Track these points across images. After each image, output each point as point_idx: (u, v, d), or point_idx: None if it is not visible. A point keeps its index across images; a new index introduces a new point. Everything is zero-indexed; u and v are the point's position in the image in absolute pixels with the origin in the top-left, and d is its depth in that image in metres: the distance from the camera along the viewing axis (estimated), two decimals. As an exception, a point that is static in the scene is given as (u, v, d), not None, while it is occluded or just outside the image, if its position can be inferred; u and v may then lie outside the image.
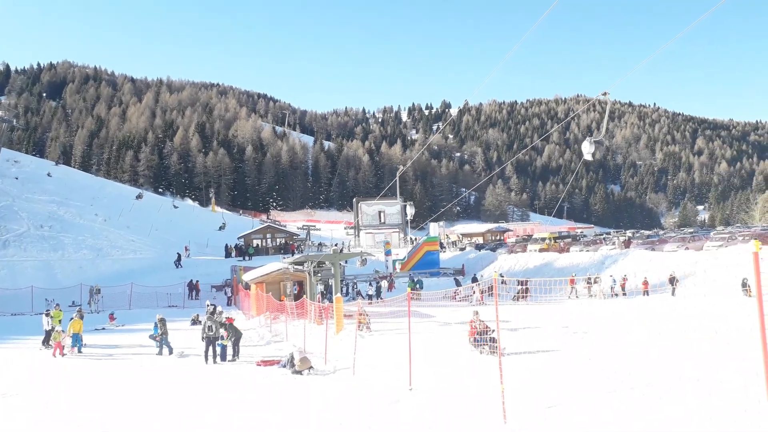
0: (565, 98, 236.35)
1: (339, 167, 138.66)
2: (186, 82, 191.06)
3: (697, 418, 7.12)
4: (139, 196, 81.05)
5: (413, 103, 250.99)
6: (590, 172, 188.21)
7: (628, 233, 64.46)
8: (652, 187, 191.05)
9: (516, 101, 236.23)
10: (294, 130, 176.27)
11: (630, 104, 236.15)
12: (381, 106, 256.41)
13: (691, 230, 65.10)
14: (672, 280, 28.81)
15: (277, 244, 58.70)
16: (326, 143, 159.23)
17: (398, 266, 49.05)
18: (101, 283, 37.24)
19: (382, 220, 65.93)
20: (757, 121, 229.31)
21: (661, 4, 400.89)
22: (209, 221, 77.31)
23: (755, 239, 4.65)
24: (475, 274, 42.56)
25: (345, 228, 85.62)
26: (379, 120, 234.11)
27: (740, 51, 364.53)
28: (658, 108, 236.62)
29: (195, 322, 25.45)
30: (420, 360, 11.73)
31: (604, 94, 6.67)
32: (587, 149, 7.62)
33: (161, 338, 18.17)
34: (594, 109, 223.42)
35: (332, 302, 22.66)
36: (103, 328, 25.55)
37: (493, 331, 13.52)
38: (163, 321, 18.36)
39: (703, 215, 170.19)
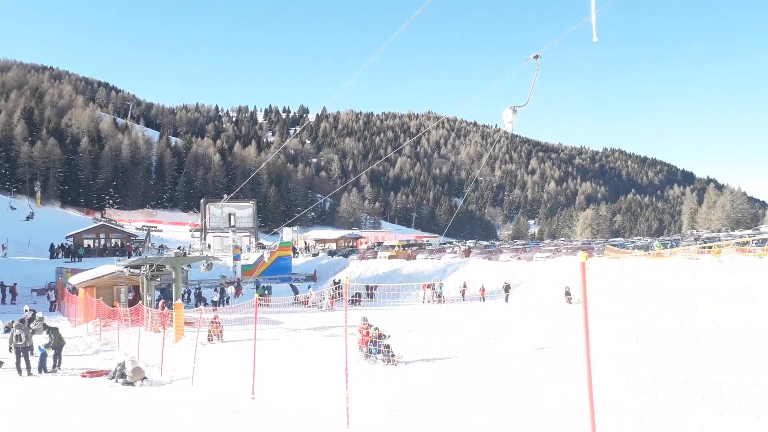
0: (417, 114, 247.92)
1: (187, 165, 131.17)
2: (12, 62, 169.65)
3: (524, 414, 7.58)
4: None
5: (270, 105, 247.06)
6: (437, 186, 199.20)
7: (469, 243, 68.90)
8: (490, 201, 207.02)
9: (372, 112, 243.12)
10: (138, 123, 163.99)
11: (475, 123, 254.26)
12: (236, 105, 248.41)
13: (523, 242, 71.36)
14: (506, 288, 31.20)
15: (113, 245, 54.04)
16: (173, 139, 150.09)
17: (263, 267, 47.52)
18: None
19: (232, 224, 63.66)
20: (581, 146, 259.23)
21: (514, 31, 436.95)
22: (33, 217, 68.93)
23: (582, 251, 5.01)
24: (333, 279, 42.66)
25: (190, 230, 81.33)
26: (233, 119, 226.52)
27: (568, 81, 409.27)
28: (499, 129, 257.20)
29: (9, 329, 22.32)
30: (267, 368, 11.30)
31: (536, 57, 6.57)
32: (509, 118, 6.72)
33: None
34: (443, 126, 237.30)
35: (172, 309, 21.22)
36: None
37: (389, 337, 13.68)
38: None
39: (534, 229, 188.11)
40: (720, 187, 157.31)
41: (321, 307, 31.27)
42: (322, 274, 48.04)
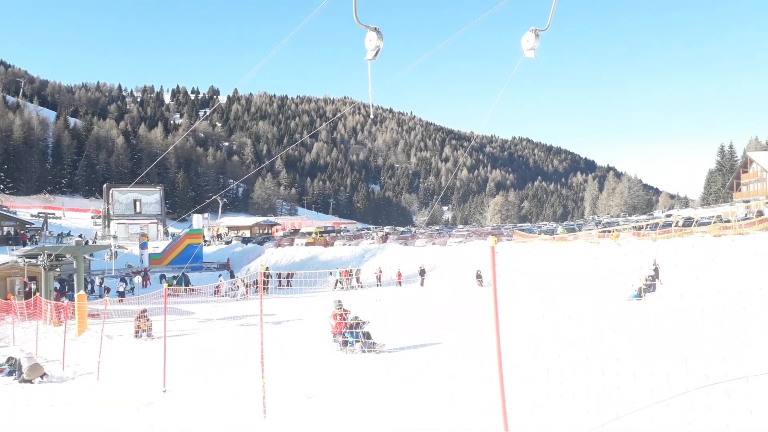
0: (333, 98, 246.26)
1: (87, 148, 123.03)
2: None
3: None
4: None
5: (178, 86, 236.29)
6: (354, 172, 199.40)
7: (386, 229, 69.69)
8: (406, 188, 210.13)
9: (287, 96, 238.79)
10: (31, 101, 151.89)
11: (391, 111, 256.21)
12: (140, 84, 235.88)
13: (438, 228, 73.13)
14: (422, 272, 31.91)
15: (5, 233, 49.97)
16: (72, 120, 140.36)
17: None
18: None
19: (138, 210, 60.72)
20: (492, 135, 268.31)
21: (430, 16, 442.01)
22: None
23: (492, 236, 5.20)
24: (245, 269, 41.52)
25: (92, 217, 76.83)
26: (138, 100, 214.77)
27: (481, 70, 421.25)
28: (414, 116, 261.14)
29: None
30: (180, 360, 10.93)
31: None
32: (530, 44, 5.42)
33: None
34: (359, 113, 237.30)
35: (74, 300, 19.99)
36: None
37: (368, 323, 12.37)
38: None
39: (448, 215, 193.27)
40: (619, 175, 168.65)
41: (235, 296, 30.60)
42: (235, 263, 46.92)
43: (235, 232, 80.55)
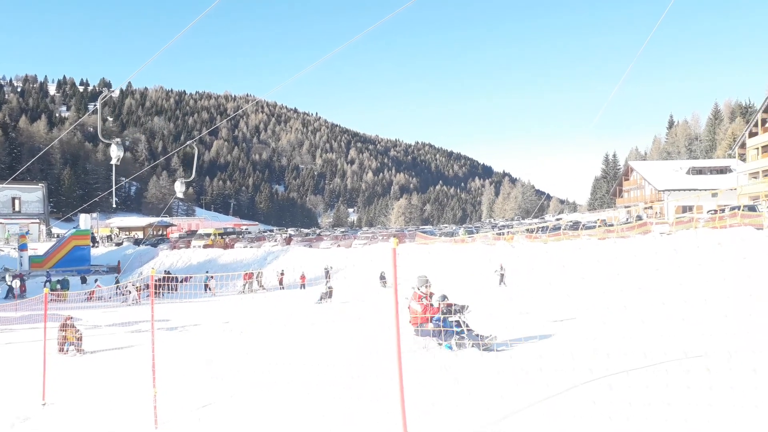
0: (234, 95, 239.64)
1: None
2: None
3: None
4: None
5: (64, 76, 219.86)
6: (257, 172, 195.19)
7: (290, 231, 68.77)
8: (312, 189, 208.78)
9: (185, 91, 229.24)
10: None
11: (295, 110, 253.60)
12: (21, 73, 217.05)
13: (343, 230, 73.25)
14: (327, 274, 31.75)
15: None
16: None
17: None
18: None
19: (17, 209, 55.80)
20: (396, 138, 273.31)
21: (337, 20, 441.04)
22: None
23: (395, 238, 5.29)
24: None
25: (-37, 216, 69.38)
26: (18, 89, 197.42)
27: (390, 71, 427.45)
28: (320, 117, 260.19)
29: None
30: (63, 370, 10.12)
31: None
32: None
33: None
34: (262, 111, 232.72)
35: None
36: None
37: (467, 308, 9.27)
38: None
39: (353, 217, 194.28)
40: (513, 181, 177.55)
41: (126, 301, 28.90)
42: (126, 266, 44.35)
43: (127, 233, 76.32)
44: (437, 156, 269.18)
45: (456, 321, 8.87)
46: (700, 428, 4.72)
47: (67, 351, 14.31)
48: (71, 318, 14.98)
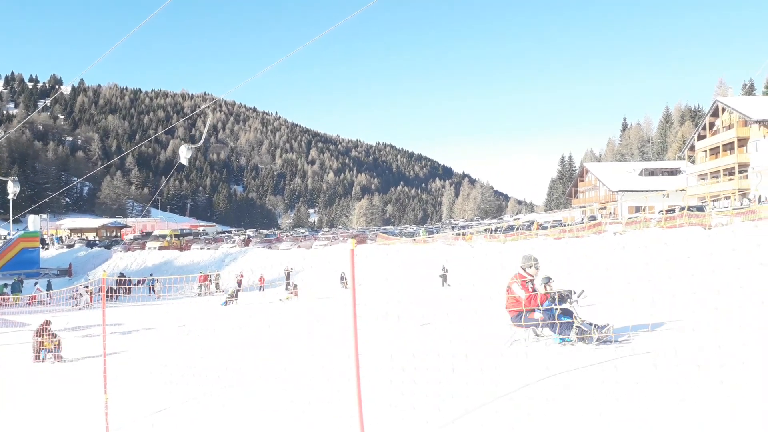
0: (192, 94, 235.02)
1: None
2: None
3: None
4: None
5: (12, 72, 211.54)
6: (215, 172, 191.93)
7: (249, 232, 67.90)
8: (271, 189, 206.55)
9: (140, 89, 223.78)
10: None
11: (255, 110, 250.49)
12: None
13: (303, 231, 72.77)
14: (287, 275, 31.52)
15: None
16: None
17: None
18: None
19: (-40, 209, 53.30)
20: (357, 139, 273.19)
21: (294, 16, 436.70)
22: None
23: (352, 239, 5.29)
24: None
25: None
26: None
27: (351, 71, 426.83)
28: (280, 117, 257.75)
29: None
30: (11, 376, 9.71)
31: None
32: None
33: None
34: (220, 110, 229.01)
35: None
36: None
37: (582, 294, 8.07)
38: None
39: (314, 217, 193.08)
40: (473, 182, 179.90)
41: (78, 305, 27.98)
42: (78, 268, 42.98)
43: (79, 234, 73.94)
44: (398, 157, 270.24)
45: (565, 310, 7.75)
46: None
47: (44, 359, 13.02)
48: (49, 322, 13.57)
